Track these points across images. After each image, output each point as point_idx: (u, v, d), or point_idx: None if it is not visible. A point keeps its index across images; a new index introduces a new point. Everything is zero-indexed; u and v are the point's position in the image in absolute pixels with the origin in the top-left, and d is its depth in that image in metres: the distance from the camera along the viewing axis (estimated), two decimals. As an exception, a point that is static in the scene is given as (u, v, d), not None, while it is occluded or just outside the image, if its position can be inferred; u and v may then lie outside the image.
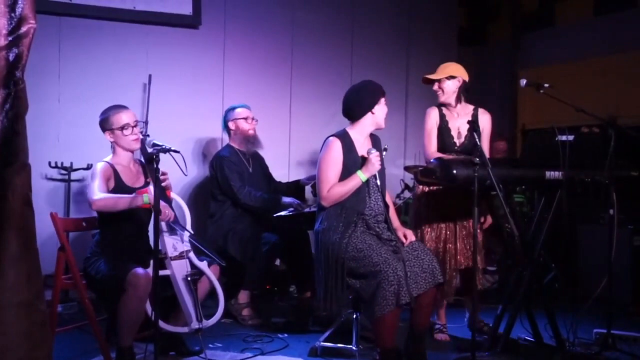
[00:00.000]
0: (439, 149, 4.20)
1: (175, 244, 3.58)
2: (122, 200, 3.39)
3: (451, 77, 4.20)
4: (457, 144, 4.18)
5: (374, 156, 3.55)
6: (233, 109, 4.91)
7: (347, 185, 3.56)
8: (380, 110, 3.67)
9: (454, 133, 4.20)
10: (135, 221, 3.54)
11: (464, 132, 4.17)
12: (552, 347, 3.86)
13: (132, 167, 3.70)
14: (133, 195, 3.42)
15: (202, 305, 3.58)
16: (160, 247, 3.49)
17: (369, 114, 3.66)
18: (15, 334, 1.97)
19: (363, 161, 3.59)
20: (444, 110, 4.26)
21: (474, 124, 3.63)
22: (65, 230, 3.67)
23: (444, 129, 4.22)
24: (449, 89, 4.21)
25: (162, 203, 3.47)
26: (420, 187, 4.25)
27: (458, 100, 4.23)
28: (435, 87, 4.24)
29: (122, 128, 3.59)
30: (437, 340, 4.20)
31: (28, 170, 2.04)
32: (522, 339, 4.02)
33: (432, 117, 4.25)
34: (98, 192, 3.36)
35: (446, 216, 4.12)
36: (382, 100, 3.67)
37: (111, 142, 3.65)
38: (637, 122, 5.62)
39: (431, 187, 4.18)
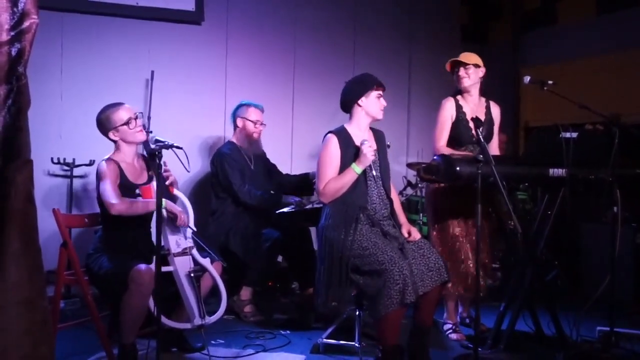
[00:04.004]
0: (457, 141, 4.16)
1: (178, 241, 3.59)
2: (142, 205, 3.44)
3: (477, 66, 4.19)
4: (475, 135, 4.16)
5: (366, 147, 3.52)
6: (247, 105, 4.87)
7: (342, 179, 3.55)
8: (370, 103, 3.64)
9: (471, 125, 4.17)
10: (138, 218, 3.53)
11: (481, 129, 4.13)
12: (554, 344, 3.86)
13: (136, 163, 3.70)
14: (151, 200, 3.47)
15: (205, 301, 3.57)
16: (163, 244, 3.50)
17: (356, 106, 3.65)
18: (17, 332, 1.97)
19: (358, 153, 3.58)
20: (461, 101, 4.22)
21: (477, 121, 3.60)
22: (68, 226, 3.67)
23: (461, 121, 4.16)
24: (475, 77, 4.18)
25: (177, 208, 3.54)
26: (438, 184, 4.22)
27: (480, 91, 4.24)
28: (462, 72, 4.17)
29: (127, 123, 3.60)
30: (453, 340, 4.18)
31: (30, 167, 2.04)
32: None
33: (448, 108, 4.19)
34: (114, 195, 3.39)
35: (469, 211, 4.08)
36: (373, 92, 3.63)
37: (115, 141, 3.65)
38: (641, 119, 5.60)
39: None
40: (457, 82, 4.22)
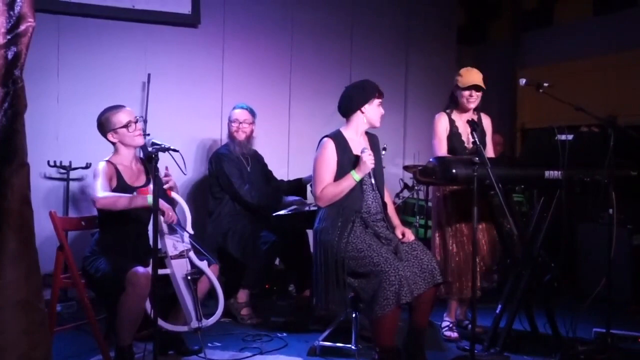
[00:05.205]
0: (451, 154, 4.18)
1: (175, 243, 3.58)
2: (125, 199, 3.40)
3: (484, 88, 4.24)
4: (468, 148, 4.19)
5: (366, 155, 3.55)
6: (233, 108, 4.91)
7: (340, 185, 3.57)
8: (372, 110, 3.66)
9: (464, 138, 4.20)
10: (135, 220, 3.53)
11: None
12: (551, 346, 3.86)
13: (134, 166, 3.70)
14: (137, 195, 3.44)
15: (202, 304, 3.57)
16: (160, 246, 3.50)
17: (359, 112, 3.67)
18: (14, 333, 1.97)
19: (357, 160, 3.59)
20: (453, 115, 4.26)
21: (473, 124, 3.62)
22: (64, 229, 3.66)
23: (454, 135, 4.22)
24: (479, 98, 4.24)
25: (166, 205, 3.51)
26: (442, 187, 4.24)
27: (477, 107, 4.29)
28: (475, 95, 4.19)
29: (127, 126, 3.60)
30: (447, 337, 4.22)
31: (27, 169, 2.04)
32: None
33: (443, 123, 4.23)
34: (101, 191, 3.38)
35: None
36: (375, 100, 3.66)
37: (114, 143, 3.65)
38: (637, 121, 5.62)
39: (453, 188, 4.18)
40: (464, 102, 4.21)
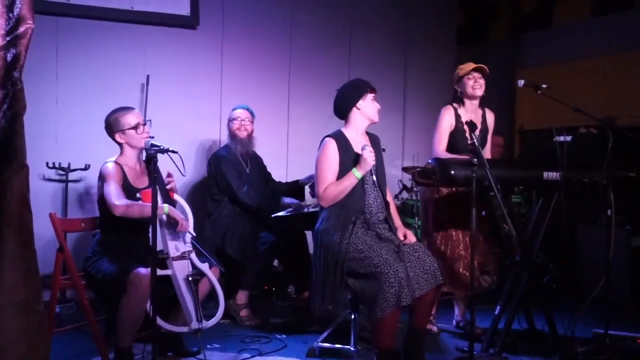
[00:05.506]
0: (453, 150, 4.18)
1: (177, 245, 3.59)
2: (145, 209, 3.40)
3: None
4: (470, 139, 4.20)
5: (367, 152, 3.55)
6: (233, 109, 4.93)
7: (342, 184, 3.57)
8: (367, 105, 3.68)
9: (468, 135, 4.19)
10: (136, 221, 3.53)
11: (477, 132, 4.15)
12: (550, 346, 3.86)
13: (138, 167, 3.72)
14: (149, 204, 3.44)
15: (202, 306, 3.57)
16: (162, 247, 3.52)
17: (354, 109, 3.68)
18: (12, 334, 1.97)
19: (358, 158, 3.60)
20: (459, 110, 4.25)
21: (471, 125, 3.63)
22: (64, 231, 3.66)
23: (458, 131, 4.20)
24: (484, 87, 4.23)
25: (179, 215, 3.55)
26: (438, 190, 4.23)
27: (480, 100, 4.28)
28: (480, 81, 4.19)
29: (135, 128, 3.62)
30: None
31: (26, 171, 2.05)
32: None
33: (448, 117, 4.22)
34: (117, 197, 3.40)
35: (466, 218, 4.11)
36: (369, 95, 3.68)
37: (121, 144, 3.66)
38: (635, 122, 5.62)
39: (450, 190, 4.19)
40: (469, 90, 4.20)
